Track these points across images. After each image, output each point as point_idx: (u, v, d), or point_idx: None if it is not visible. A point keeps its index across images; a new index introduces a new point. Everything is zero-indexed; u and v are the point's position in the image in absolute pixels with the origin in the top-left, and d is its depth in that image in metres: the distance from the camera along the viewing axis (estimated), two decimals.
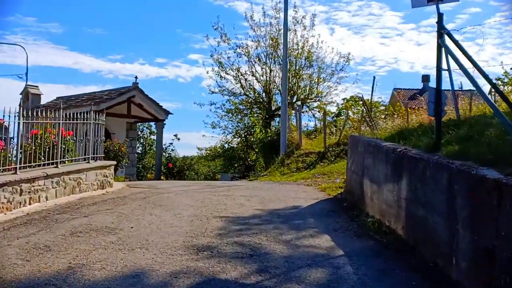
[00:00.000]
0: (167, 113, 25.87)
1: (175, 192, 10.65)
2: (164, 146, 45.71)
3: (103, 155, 12.58)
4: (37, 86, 26.78)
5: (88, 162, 10.71)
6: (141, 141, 43.46)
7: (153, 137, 44.28)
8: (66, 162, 10.28)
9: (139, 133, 42.89)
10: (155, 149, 45.10)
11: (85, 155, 10.86)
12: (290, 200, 9.80)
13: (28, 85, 26.78)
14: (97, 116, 12.03)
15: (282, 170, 19.33)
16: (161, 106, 25.58)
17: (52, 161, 9.31)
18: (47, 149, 9.42)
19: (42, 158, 9.23)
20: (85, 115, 11.33)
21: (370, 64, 67.57)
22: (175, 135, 44.46)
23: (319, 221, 7.67)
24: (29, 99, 26.14)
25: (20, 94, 27.07)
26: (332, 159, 18.80)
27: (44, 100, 27.10)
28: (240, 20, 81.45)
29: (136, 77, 24.71)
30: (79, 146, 10.89)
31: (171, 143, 43.60)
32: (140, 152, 43.55)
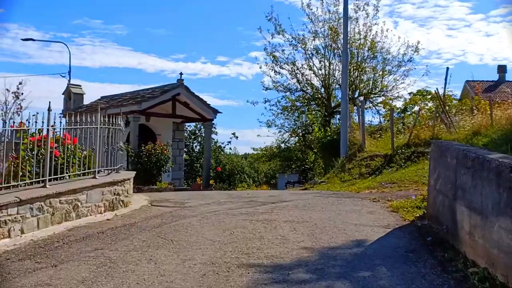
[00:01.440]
0: (215, 112, 23.70)
1: (203, 214, 8.32)
2: (222, 145, 44.27)
3: (121, 166, 10.47)
4: (80, 86, 25.31)
5: (95, 177, 8.57)
6: (199, 139, 42.33)
7: (212, 135, 42.83)
8: (70, 176, 8.19)
9: (197, 131, 41.73)
10: (212, 148, 43.60)
11: (89, 168, 8.73)
12: (351, 228, 7.25)
13: (70, 84, 25.34)
14: (112, 119, 9.88)
15: (343, 176, 16.68)
16: (209, 105, 23.44)
17: (39, 179, 7.19)
18: (41, 162, 7.34)
19: (28, 175, 7.13)
20: (93, 118, 9.19)
21: (435, 57, 63.52)
22: (233, 133, 42.85)
23: (396, 274, 5.10)
24: (71, 98, 24.69)
25: (62, 94, 25.71)
26: (402, 163, 15.98)
27: (88, 100, 25.66)
28: (299, 15, 78.70)
29: (181, 74, 22.69)
30: (86, 156, 8.76)
31: (229, 142, 42.15)
32: (197, 151, 42.07)
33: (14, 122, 7.89)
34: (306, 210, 9.00)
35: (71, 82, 26.37)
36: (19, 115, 34.48)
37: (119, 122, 10.42)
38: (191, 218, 7.95)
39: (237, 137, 40.94)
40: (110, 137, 9.82)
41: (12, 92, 34.25)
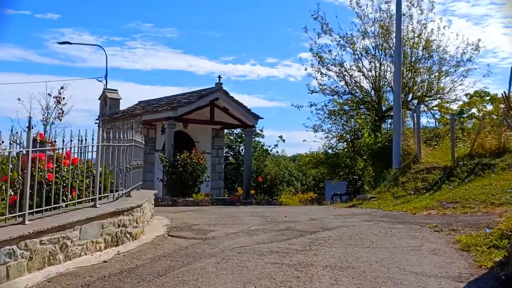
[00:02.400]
0: (256, 117, 22.21)
1: (224, 253, 6.77)
2: (269, 148, 42.84)
3: (137, 185, 9.08)
4: (116, 90, 24.33)
5: (95, 206, 7.17)
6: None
7: (257, 138, 41.94)
8: (69, 205, 6.83)
9: (243, 134, 40.82)
10: (258, 152, 42.34)
11: (93, 193, 7.31)
12: (411, 281, 5.54)
13: (107, 89, 24.39)
14: (123, 134, 8.49)
15: (395, 191, 14.82)
16: (250, 110, 21.96)
17: (16, 214, 5.82)
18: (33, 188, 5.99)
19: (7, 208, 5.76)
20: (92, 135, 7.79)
21: (491, 56, 60.09)
22: (280, 137, 41.70)
23: None
24: (107, 104, 23.72)
25: (98, 99, 24.82)
26: (464, 178, 13.98)
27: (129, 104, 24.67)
28: (347, 14, 76.41)
29: (219, 77, 21.35)
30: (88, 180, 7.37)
31: (276, 145, 41.08)
32: (243, 156, 40.78)
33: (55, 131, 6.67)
34: (353, 246, 7.31)
35: (109, 86, 25.47)
36: (60, 120, 34.14)
37: (134, 138, 9.04)
38: (208, 259, 6.41)
39: (284, 141, 40.12)
40: (120, 155, 8.43)
41: (54, 97, 33.92)
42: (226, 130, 24.15)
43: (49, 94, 34.38)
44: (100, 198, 7.46)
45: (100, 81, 26.35)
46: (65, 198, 6.79)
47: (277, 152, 53.69)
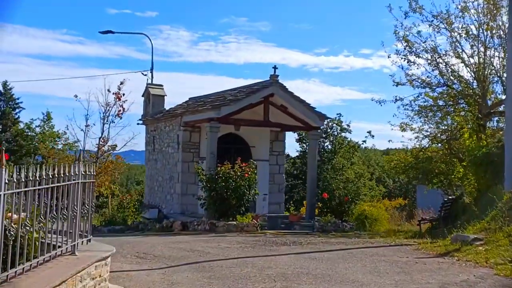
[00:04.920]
0: (323, 118, 17.80)
1: None
2: (356, 144, 38.15)
3: (85, 240, 5.26)
4: (161, 86, 20.81)
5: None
6: (331, 138, 37.44)
7: (344, 134, 37.78)
8: None
9: (328, 129, 37.10)
10: (344, 149, 37.82)
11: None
12: None
13: (150, 84, 20.95)
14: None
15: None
16: (314, 108, 17.59)
17: None
18: None
19: None
20: None
21: None
22: (369, 132, 37.85)
23: None
24: (150, 101, 20.30)
25: (142, 96, 21.47)
26: None
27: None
28: None
29: (275, 67, 17.08)
30: None
31: (364, 141, 37.17)
32: (329, 151, 36.72)
33: None
34: None
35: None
36: (121, 118, 31.40)
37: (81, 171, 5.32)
38: None
39: (373, 136, 36.48)
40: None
41: (113, 93, 31.21)
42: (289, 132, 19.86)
43: (108, 90, 31.95)
44: None
45: (145, 75, 23.04)
46: None
47: (365, 148, 48.67)
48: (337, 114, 37.68)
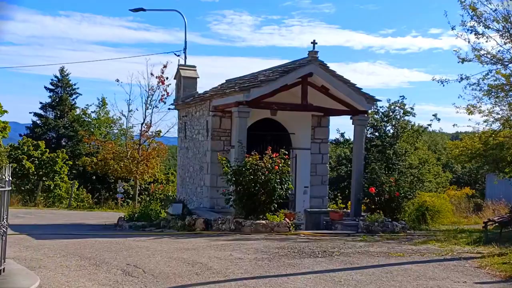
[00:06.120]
0: (371, 100, 15.40)
1: None
2: (420, 127, 35.31)
3: None
4: (194, 67, 18.97)
5: None
6: (393, 122, 35.02)
7: (407, 117, 35.23)
8: None
9: (390, 112, 34.65)
10: (407, 133, 35.30)
11: None
12: None
13: (181, 65, 19.16)
14: None
15: None
16: (360, 89, 15.23)
17: None
18: None
19: None
20: None
21: None
22: (434, 115, 35.08)
23: None
24: (181, 84, 18.57)
25: (174, 78, 19.78)
26: None
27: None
28: None
29: (314, 42, 14.84)
30: None
31: (429, 125, 34.30)
32: (390, 136, 34.18)
33: None
34: None
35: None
36: (165, 103, 29.93)
37: None
38: None
39: (438, 119, 33.89)
40: None
41: (156, 77, 29.75)
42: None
43: (151, 74, 30.57)
44: None
45: (178, 55, 21.31)
46: None
47: (431, 131, 45.32)
48: (400, 96, 34.96)
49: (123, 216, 17.39)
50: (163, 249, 10.04)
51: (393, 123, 33.62)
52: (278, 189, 13.04)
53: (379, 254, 9.63)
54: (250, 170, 12.95)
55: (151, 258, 9.01)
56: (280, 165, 13.08)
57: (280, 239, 11.66)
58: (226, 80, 19.08)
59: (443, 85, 21.20)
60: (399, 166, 33.67)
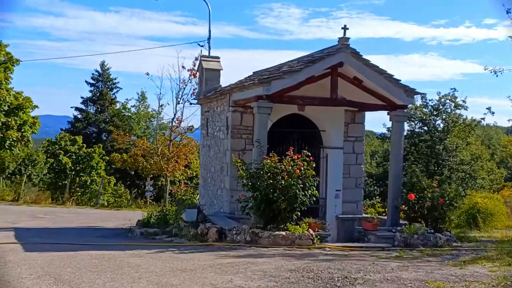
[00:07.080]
0: (411, 93, 13.45)
1: None
2: (473, 121, 33.04)
3: None
4: (217, 57, 17.46)
5: None
6: (443, 116, 32.69)
7: (459, 111, 33.26)
8: None
9: (440, 105, 32.48)
10: (459, 127, 33.16)
11: None
12: None
13: (203, 56, 17.69)
14: None
15: None
16: (399, 81, 13.31)
17: None
18: None
19: None
20: None
21: None
22: (488, 108, 33.04)
23: None
24: (203, 76, 17.11)
25: (196, 70, 18.35)
26: None
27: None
28: None
29: (345, 28, 13.04)
30: None
31: (483, 118, 32.70)
32: (440, 130, 32.09)
33: None
34: None
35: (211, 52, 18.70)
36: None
37: None
38: None
39: (493, 113, 32.02)
40: None
41: (188, 70, 28.38)
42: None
43: (182, 67, 29.24)
44: None
45: (202, 46, 19.84)
46: None
47: (485, 125, 42.60)
48: (451, 89, 32.79)
49: (141, 219, 16.23)
50: (156, 269, 8.58)
51: (444, 117, 32.13)
52: (301, 196, 11.37)
53: (413, 282, 7.82)
54: (269, 174, 11.34)
55: (134, 284, 7.55)
56: (303, 168, 11.39)
57: (299, 256, 10.02)
58: (253, 72, 17.51)
59: (497, 76, 19.05)
60: (449, 162, 31.54)
